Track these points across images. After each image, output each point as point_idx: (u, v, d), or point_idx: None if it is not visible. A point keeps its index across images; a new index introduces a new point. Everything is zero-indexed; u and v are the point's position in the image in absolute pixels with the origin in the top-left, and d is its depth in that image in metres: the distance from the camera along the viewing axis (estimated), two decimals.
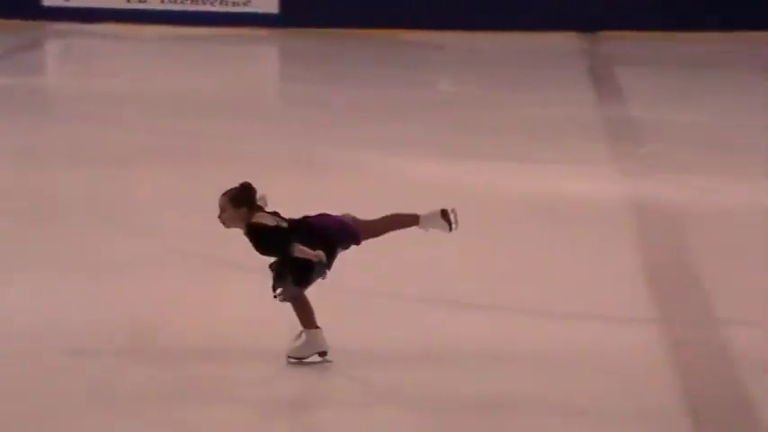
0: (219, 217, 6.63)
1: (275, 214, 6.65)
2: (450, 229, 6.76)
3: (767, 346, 6.61)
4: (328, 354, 6.62)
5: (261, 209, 6.62)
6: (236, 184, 6.58)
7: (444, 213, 6.75)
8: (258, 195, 6.64)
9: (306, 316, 6.65)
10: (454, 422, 5.98)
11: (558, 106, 13.68)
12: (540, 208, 9.71)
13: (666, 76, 15.74)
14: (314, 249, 6.44)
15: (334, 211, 6.69)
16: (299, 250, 6.45)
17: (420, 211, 6.71)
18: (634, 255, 8.48)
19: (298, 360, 6.66)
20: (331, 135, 12.31)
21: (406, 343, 6.85)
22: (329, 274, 6.56)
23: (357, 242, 6.73)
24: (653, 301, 7.52)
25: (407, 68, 16.24)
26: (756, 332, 6.92)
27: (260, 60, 18.53)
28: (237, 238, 6.50)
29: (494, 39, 17.68)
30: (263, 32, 18.50)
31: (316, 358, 6.65)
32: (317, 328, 6.65)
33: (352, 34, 18.02)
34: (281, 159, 11.37)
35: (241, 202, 6.59)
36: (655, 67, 16.31)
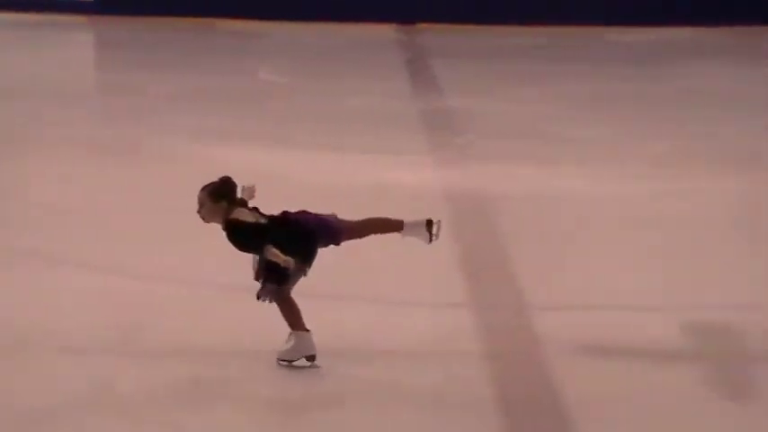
0: (198, 212, 6.55)
1: (255, 210, 6.57)
2: (430, 240, 6.69)
3: (576, 329, 6.81)
4: (317, 358, 6.53)
5: (242, 203, 6.54)
6: (216, 179, 6.50)
7: (429, 224, 6.68)
8: (243, 186, 6.56)
9: (293, 318, 6.54)
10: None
11: (376, 97, 13.80)
12: (358, 197, 9.80)
13: (481, 68, 16.01)
14: (293, 246, 6.36)
15: (316, 209, 6.66)
16: (271, 253, 6.36)
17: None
18: (450, 243, 8.64)
19: (287, 363, 6.56)
20: (148, 123, 12.20)
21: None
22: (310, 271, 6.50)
23: (337, 242, 6.65)
24: (467, 287, 7.68)
25: (227, 57, 16.15)
26: (565, 316, 7.15)
27: (76, 47, 18.18)
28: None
29: (313, 29, 17.71)
30: (80, 19, 18.16)
31: (304, 362, 6.56)
32: (306, 330, 6.54)
33: (170, 23, 17.83)
34: (95, 145, 11.23)
35: (220, 196, 6.51)
36: (470, 59, 16.57)
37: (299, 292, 6.51)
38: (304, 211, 6.62)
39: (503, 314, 7.43)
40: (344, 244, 6.62)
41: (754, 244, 8.87)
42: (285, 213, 6.57)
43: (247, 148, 11.29)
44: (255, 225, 6.47)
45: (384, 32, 17.78)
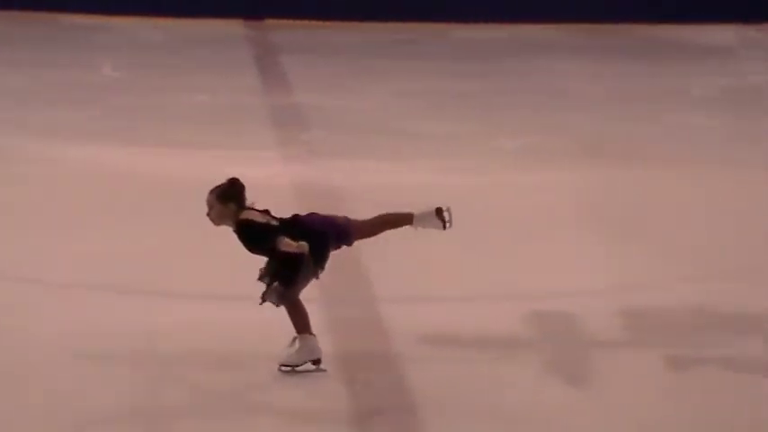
0: (208, 214, 6.48)
1: (266, 212, 6.49)
2: (444, 227, 6.64)
3: (423, 320, 6.89)
4: (322, 362, 6.48)
5: (251, 207, 6.47)
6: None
7: (439, 212, 6.63)
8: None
9: (300, 321, 6.46)
10: None
11: (225, 93, 13.74)
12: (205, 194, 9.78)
13: (330, 64, 16.04)
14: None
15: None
16: (283, 243, 6.29)
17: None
18: None
19: (291, 368, 6.47)
20: None
21: None
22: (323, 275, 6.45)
23: (349, 243, 6.59)
24: (316, 282, 7.73)
25: (71, 52, 15.90)
26: (410, 308, 7.22)
27: None
28: None
29: (159, 24, 17.52)
30: None
31: (309, 366, 6.47)
32: (312, 334, 6.47)
33: (11, 18, 17.47)
34: None
35: (228, 197, 6.44)
36: (318, 55, 16.58)
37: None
38: (313, 213, 6.60)
39: (352, 308, 7.47)
40: None
41: (599, 233, 9.08)
42: (296, 216, 6.53)
43: (93, 146, 11.13)
44: (267, 226, 6.42)
45: (232, 28, 17.68)
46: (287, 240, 6.29)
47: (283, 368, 6.45)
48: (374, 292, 7.79)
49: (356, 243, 6.66)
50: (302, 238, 6.33)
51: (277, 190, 10.03)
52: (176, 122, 12.40)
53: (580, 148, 11.80)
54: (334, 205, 9.80)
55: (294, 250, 6.29)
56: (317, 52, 16.92)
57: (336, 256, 6.59)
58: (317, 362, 6.48)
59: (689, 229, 9.45)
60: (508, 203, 9.31)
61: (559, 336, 7.19)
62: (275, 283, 6.35)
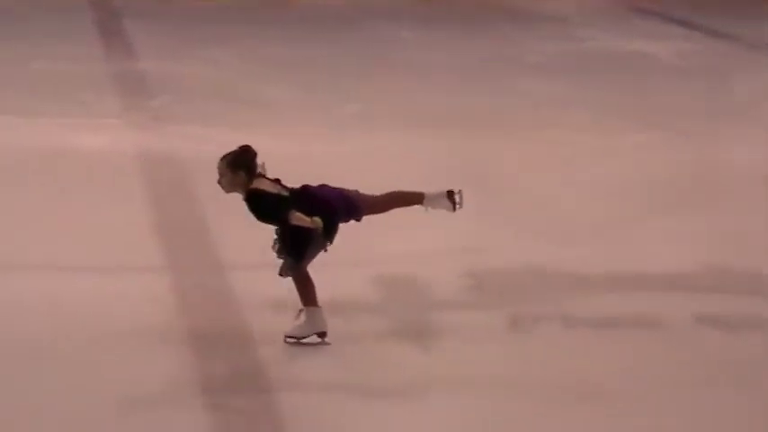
0: (219, 182, 6.32)
1: (277, 182, 6.34)
2: (454, 209, 6.61)
3: (270, 286, 6.92)
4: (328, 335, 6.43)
5: (262, 175, 6.31)
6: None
7: (450, 194, 6.60)
8: (258, 163, 6.32)
9: (307, 293, 6.40)
10: None
11: (66, 60, 13.55)
12: (51, 163, 9.66)
13: (175, 29, 15.95)
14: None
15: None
16: (296, 217, 6.16)
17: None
18: (145, 206, 8.64)
19: (296, 340, 6.40)
20: None
21: None
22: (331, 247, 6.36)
23: (358, 217, 6.50)
24: (164, 250, 7.69)
25: None
26: (259, 274, 7.24)
27: None
28: None
29: None
30: None
31: (315, 339, 6.42)
32: (318, 306, 6.41)
33: None
34: None
35: (239, 165, 6.28)
36: (163, 21, 16.47)
37: None
38: (324, 185, 6.49)
39: (199, 275, 7.49)
40: None
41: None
42: (306, 186, 6.42)
43: None
44: (278, 196, 6.30)
45: None
46: (299, 215, 6.22)
47: (289, 339, 6.46)
48: (221, 260, 7.81)
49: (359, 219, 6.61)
50: (312, 210, 6.27)
51: (121, 157, 9.97)
52: (17, 91, 12.21)
53: (423, 114, 11.95)
54: (182, 172, 9.81)
55: (308, 225, 6.23)
56: (161, 17, 16.79)
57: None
58: (322, 335, 6.49)
59: (532, 193, 9.67)
60: (354, 169, 9.38)
61: (407, 299, 7.30)
62: (286, 257, 6.33)
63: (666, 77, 14.52)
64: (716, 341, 6.83)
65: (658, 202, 9.58)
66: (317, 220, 6.22)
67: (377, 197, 6.63)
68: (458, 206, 6.67)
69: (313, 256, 6.46)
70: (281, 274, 6.41)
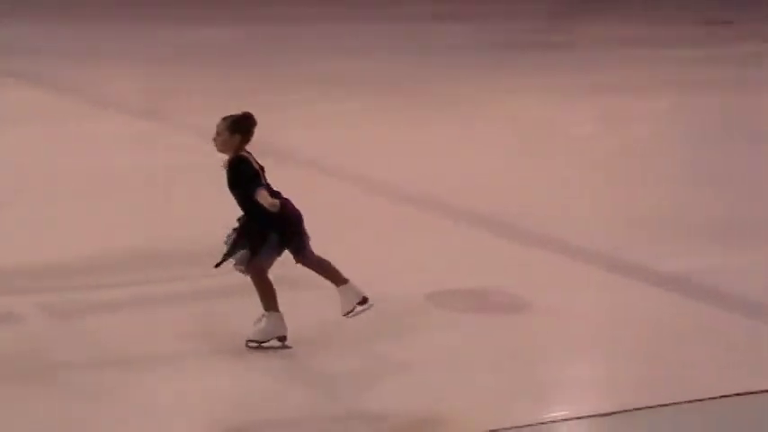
0: (215, 140, 6.55)
1: (261, 168, 6.59)
2: (347, 314, 6.72)
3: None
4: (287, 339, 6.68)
5: (250, 154, 6.57)
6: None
7: (363, 301, 6.73)
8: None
9: (268, 298, 6.62)
10: None
11: None
12: None
13: None
14: (278, 221, 6.44)
15: None
16: (261, 195, 6.37)
17: None
18: None
19: (258, 344, 6.63)
20: None
21: None
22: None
23: (300, 256, 6.71)
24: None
25: None
26: None
27: None
28: None
29: None
30: None
31: (275, 343, 6.66)
32: (278, 311, 6.65)
33: None
34: None
35: (237, 128, 6.53)
36: None
37: None
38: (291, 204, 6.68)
39: None
40: None
41: None
42: (281, 195, 6.61)
43: None
44: (257, 171, 6.52)
45: None
46: (265, 193, 6.43)
47: (251, 344, 6.68)
48: None
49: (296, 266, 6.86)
50: (281, 216, 6.49)
51: None
52: None
53: None
54: None
55: (268, 205, 6.41)
56: None
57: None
58: (282, 338, 6.71)
59: None
60: None
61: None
62: (243, 250, 6.54)
63: None
64: None
65: None
66: (276, 203, 6.43)
67: (317, 256, 6.78)
68: (351, 314, 6.76)
69: (270, 262, 6.65)
70: (239, 270, 6.65)
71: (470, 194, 10.45)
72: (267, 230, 6.54)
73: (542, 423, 5.79)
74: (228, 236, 6.64)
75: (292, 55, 19.46)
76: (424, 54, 20.02)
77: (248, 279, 6.67)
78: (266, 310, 6.68)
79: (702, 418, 5.76)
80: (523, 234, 9.27)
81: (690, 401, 5.94)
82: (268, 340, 6.69)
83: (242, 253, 6.58)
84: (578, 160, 12.19)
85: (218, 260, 6.65)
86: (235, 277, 6.75)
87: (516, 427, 5.68)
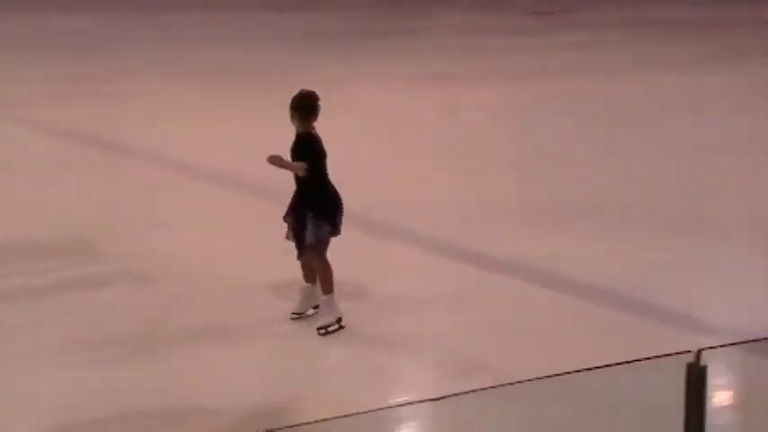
0: (292, 117, 6.97)
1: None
2: (320, 330, 6.95)
3: None
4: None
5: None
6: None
7: (339, 320, 7.00)
8: None
9: (329, 281, 6.95)
10: None
11: None
12: None
13: None
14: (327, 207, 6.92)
15: None
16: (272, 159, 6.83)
17: None
18: None
19: (326, 330, 6.93)
20: None
21: None
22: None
23: (301, 250, 7.01)
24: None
25: None
26: None
27: None
28: None
29: None
30: None
31: (334, 326, 6.95)
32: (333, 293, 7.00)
33: None
34: None
35: (295, 107, 7.02)
36: None
37: None
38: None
39: None
40: None
41: None
42: None
43: None
44: (323, 152, 6.98)
45: None
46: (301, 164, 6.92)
47: (321, 331, 6.94)
48: None
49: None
50: (327, 195, 6.98)
51: None
52: None
53: None
54: None
55: (296, 168, 6.93)
56: None
57: None
58: (339, 320, 6.98)
59: None
60: None
61: None
62: (310, 215, 6.92)
63: None
64: None
65: None
66: (302, 166, 6.96)
67: (320, 258, 7.11)
68: (322, 331, 7.02)
69: (326, 242, 7.04)
70: (300, 255, 7.05)
71: None
72: (315, 214, 6.93)
73: (382, 408, 5.89)
74: (288, 231, 7.06)
75: (135, 45, 19.37)
76: (262, 44, 20.07)
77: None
78: (325, 293, 6.99)
79: (528, 398, 5.94)
80: (364, 222, 9.39)
81: (520, 382, 6.12)
82: (334, 323, 6.99)
83: (313, 225, 6.93)
84: (418, 148, 12.38)
85: (296, 254, 7.07)
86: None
87: (360, 412, 5.79)
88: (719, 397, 5.41)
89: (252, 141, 12.36)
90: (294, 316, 7.16)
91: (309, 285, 7.19)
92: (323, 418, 5.35)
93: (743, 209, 10.04)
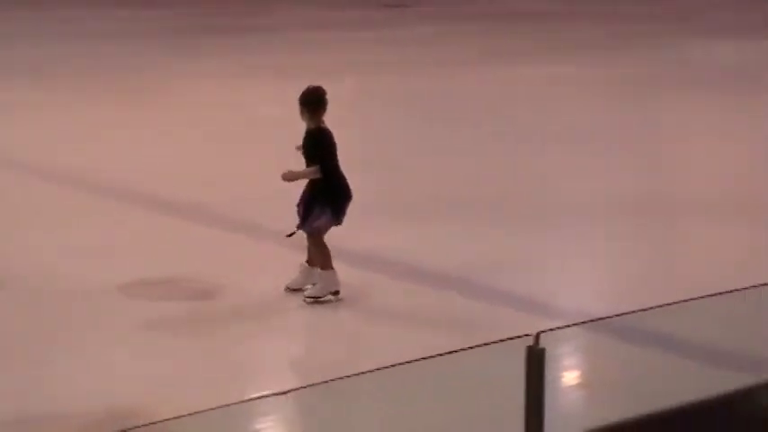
0: (302, 113, 7.25)
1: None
2: (307, 300, 7.28)
3: None
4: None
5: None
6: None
7: (335, 293, 7.32)
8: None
9: (324, 258, 7.31)
10: None
11: None
12: None
13: None
14: (328, 197, 7.25)
15: None
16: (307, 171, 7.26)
17: None
18: None
19: (314, 299, 7.27)
20: None
21: None
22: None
23: (301, 227, 7.34)
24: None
25: None
26: None
27: None
28: None
29: None
30: None
31: (330, 297, 7.30)
32: (333, 269, 7.31)
33: None
34: None
35: (302, 102, 7.25)
36: None
37: None
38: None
39: None
40: None
41: None
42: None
43: None
44: (334, 146, 7.27)
45: None
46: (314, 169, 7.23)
47: (308, 299, 7.25)
48: None
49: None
50: (338, 188, 7.32)
51: None
52: None
53: None
54: None
55: (310, 174, 7.23)
56: None
57: None
58: (336, 293, 7.30)
59: None
60: None
61: None
62: (323, 209, 7.23)
63: None
64: None
65: None
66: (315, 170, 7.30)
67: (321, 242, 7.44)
68: (310, 299, 7.32)
69: (327, 226, 7.34)
70: (295, 232, 7.35)
71: (155, 181, 10.49)
72: (324, 201, 7.22)
73: (243, 402, 5.94)
74: (298, 207, 7.32)
75: None
76: (104, 40, 19.85)
77: None
78: (323, 269, 7.24)
79: (377, 387, 6.04)
80: (213, 218, 9.41)
81: (371, 371, 6.22)
82: (324, 295, 7.25)
83: (322, 213, 7.26)
84: (261, 145, 12.36)
85: (291, 231, 7.34)
86: None
87: (218, 407, 5.82)
88: (563, 377, 5.59)
89: (103, 141, 12.33)
90: (288, 290, 7.48)
91: (308, 266, 7.48)
92: (177, 415, 5.39)
93: (586, 197, 10.30)
